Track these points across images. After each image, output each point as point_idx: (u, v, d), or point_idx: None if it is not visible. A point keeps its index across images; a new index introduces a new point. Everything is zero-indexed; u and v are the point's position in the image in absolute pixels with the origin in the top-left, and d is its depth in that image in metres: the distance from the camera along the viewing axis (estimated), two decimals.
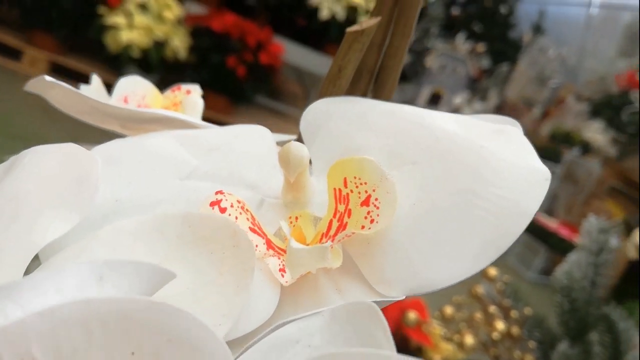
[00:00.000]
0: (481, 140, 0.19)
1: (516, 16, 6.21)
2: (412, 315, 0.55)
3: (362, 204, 0.17)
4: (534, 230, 3.00)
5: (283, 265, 0.17)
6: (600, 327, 0.69)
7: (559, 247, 2.74)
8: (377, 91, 0.26)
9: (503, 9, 6.11)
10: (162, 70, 2.71)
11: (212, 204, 0.18)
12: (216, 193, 0.18)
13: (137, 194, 0.19)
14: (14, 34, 2.63)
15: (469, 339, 0.54)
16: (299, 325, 0.14)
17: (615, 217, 3.04)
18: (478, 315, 0.58)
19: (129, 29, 2.62)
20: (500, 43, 5.91)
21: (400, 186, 0.18)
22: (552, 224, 2.95)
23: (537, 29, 5.84)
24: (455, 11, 6.10)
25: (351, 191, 0.18)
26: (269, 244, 0.18)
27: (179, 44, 2.71)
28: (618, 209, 3.18)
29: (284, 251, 0.18)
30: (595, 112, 3.86)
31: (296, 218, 0.20)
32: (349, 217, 0.18)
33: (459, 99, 5.24)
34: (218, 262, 0.16)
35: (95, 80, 0.30)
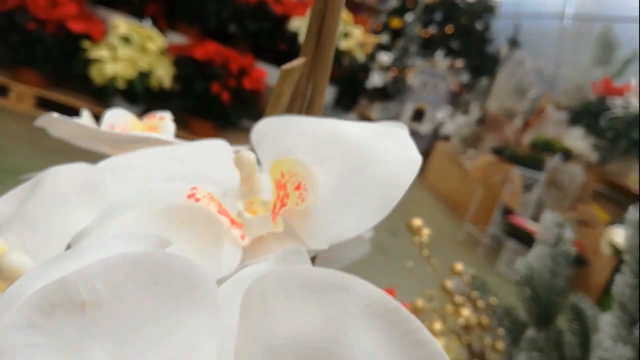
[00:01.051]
0: (375, 138, 0.27)
1: (492, 31, 6.36)
2: None
3: (295, 189, 0.24)
4: (521, 236, 3.06)
5: (243, 233, 0.24)
6: (569, 315, 0.74)
7: None
8: (308, 110, 0.34)
9: (479, 25, 6.26)
10: (148, 99, 2.77)
11: (190, 197, 0.25)
12: (191, 189, 0.25)
13: (135, 193, 0.26)
14: (0, 71, 2.69)
15: (438, 326, 0.59)
16: (254, 266, 0.21)
17: (601, 220, 3.10)
18: (449, 306, 0.63)
19: (113, 62, 2.68)
20: (479, 58, 6.04)
21: (321, 174, 0.25)
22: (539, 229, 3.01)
23: (514, 43, 5.98)
24: (433, 29, 6.24)
25: (287, 181, 0.25)
26: (232, 221, 0.25)
27: (163, 73, 2.78)
28: (603, 212, 3.25)
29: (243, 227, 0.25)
30: (574, 119, 3.95)
31: (251, 203, 0.27)
32: (287, 198, 0.25)
33: (441, 114, 5.34)
34: (198, 235, 0.22)
35: (85, 114, 0.36)
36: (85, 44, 2.66)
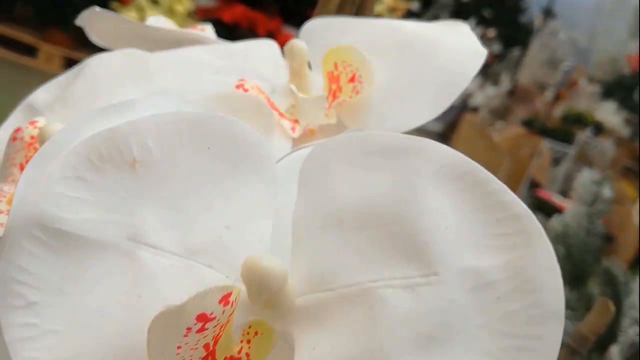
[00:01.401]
0: (436, 32, 0.26)
1: (526, 0, 6.19)
2: None
3: (349, 81, 0.23)
4: (548, 210, 3.01)
5: (293, 125, 0.24)
6: (601, 278, 0.73)
7: None
8: (358, 15, 0.32)
9: None
10: None
11: (238, 87, 0.24)
12: (239, 80, 0.24)
13: (182, 85, 0.25)
14: (29, 31, 2.70)
15: None
16: (309, 148, 0.19)
17: (629, 197, 3.03)
18: None
19: None
20: (511, 28, 5.89)
21: (377, 66, 0.23)
22: (566, 204, 2.96)
23: (548, 13, 5.81)
24: None
25: (341, 73, 0.24)
26: (281, 115, 0.24)
27: None
28: (632, 189, 3.18)
29: (292, 121, 0.24)
30: (607, 93, 3.85)
31: None
32: (340, 92, 0.24)
33: (470, 84, 5.24)
34: (251, 121, 0.21)
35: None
36: (114, 5, 2.65)
